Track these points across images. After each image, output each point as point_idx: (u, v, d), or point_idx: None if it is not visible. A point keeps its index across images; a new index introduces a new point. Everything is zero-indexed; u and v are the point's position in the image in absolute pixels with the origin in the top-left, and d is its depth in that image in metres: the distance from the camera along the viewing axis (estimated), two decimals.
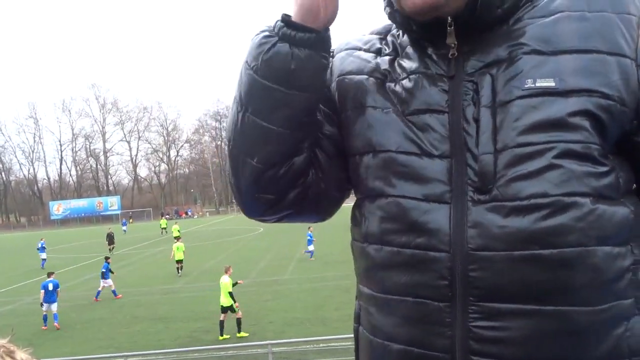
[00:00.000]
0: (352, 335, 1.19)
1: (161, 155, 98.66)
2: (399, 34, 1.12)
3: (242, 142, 1.06)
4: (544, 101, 0.90)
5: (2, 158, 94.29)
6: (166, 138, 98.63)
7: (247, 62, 1.03)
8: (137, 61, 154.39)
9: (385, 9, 1.08)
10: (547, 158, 0.89)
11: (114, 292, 17.14)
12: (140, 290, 18.10)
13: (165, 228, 44.29)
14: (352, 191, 1.16)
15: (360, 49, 1.15)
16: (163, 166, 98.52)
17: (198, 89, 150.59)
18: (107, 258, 18.08)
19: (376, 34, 1.17)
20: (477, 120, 0.94)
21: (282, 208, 1.12)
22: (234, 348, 9.24)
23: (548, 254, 0.88)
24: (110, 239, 31.80)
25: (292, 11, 1.02)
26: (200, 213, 79.38)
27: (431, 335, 0.95)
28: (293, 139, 1.05)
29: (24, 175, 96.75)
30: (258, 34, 1.03)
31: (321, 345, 8.95)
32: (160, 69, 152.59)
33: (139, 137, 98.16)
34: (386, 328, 1.03)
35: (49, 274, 15.06)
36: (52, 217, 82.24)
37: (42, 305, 13.95)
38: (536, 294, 0.89)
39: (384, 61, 1.09)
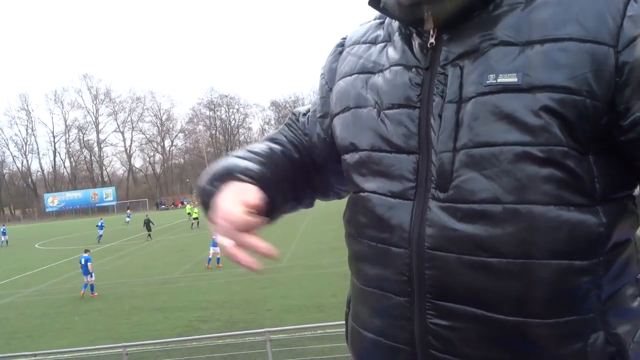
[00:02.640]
0: None
1: (155, 146, 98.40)
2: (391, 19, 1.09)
3: None
4: (504, 98, 0.84)
5: None
6: (160, 128, 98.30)
7: None
8: (129, 51, 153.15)
9: None
10: (502, 161, 0.84)
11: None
12: (138, 280, 18.12)
13: (190, 213, 41.86)
14: None
15: (358, 42, 1.13)
16: (158, 156, 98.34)
17: (191, 78, 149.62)
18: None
19: (379, 18, 1.14)
20: (440, 117, 0.91)
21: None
22: (232, 336, 9.28)
23: (496, 263, 0.85)
24: (147, 225, 33.21)
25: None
26: (196, 202, 79.15)
27: (395, 327, 0.97)
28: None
29: (18, 168, 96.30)
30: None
31: (319, 331, 9.00)
32: (152, 59, 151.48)
33: (133, 128, 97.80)
34: (362, 316, 1.06)
35: (85, 251, 17.60)
36: (47, 210, 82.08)
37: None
38: (486, 300, 0.87)
39: (375, 51, 1.07)
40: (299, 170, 1.19)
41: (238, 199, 0.95)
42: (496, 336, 0.87)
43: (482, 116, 0.86)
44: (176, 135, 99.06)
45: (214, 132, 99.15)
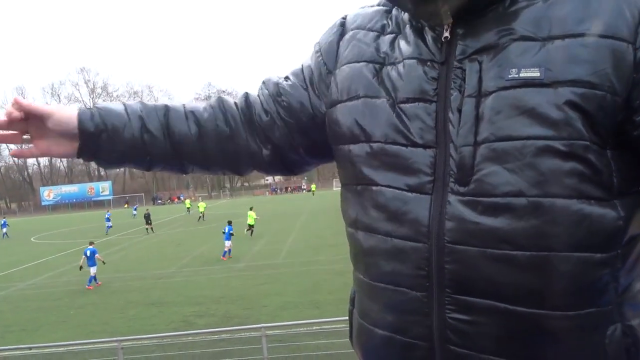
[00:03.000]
0: (345, 318, 1.22)
1: None
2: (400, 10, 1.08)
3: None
4: (526, 93, 0.85)
5: None
6: None
7: None
8: (126, 45, 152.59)
9: None
10: (525, 155, 0.85)
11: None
12: (135, 275, 18.11)
13: (189, 208, 49.40)
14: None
15: (364, 28, 1.10)
16: None
17: (189, 73, 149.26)
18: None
19: (383, 5, 1.12)
20: (460, 111, 0.90)
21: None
22: (228, 332, 9.29)
23: (520, 256, 0.86)
24: (147, 218, 33.82)
25: None
26: (193, 198, 79.21)
27: (410, 323, 0.96)
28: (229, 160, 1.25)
29: (14, 161, 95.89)
30: None
31: (314, 328, 9.02)
32: (150, 53, 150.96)
33: None
34: (372, 313, 1.04)
35: (90, 243, 17.92)
36: (43, 203, 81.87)
37: (80, 268, 17.15)
38: (507, 293, 0.88)
39: (384, 42, 1.05)
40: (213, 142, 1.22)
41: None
42: (516, 329, 0.88)
43: (505, 110, 0.86)
44: None
45: None
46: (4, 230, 37.34)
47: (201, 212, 39.57)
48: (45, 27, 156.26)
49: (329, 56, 1.13)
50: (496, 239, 0.87)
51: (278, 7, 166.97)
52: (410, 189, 0.95)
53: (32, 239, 35.83)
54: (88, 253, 17.03)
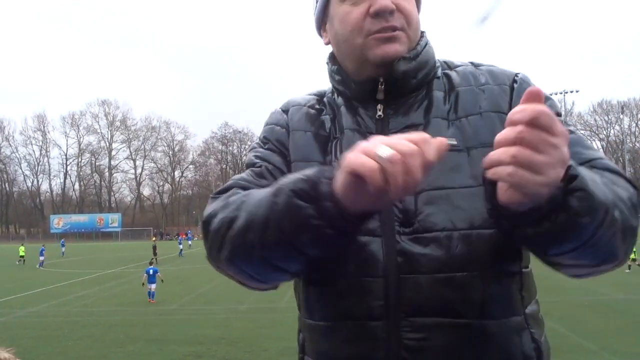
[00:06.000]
0: None
1: (165, 175, 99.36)
2: (333, 97, 1.34)
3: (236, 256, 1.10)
4: (450, 154, 1.03)
5: (8, 169, 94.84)
6: (172, 158, 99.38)
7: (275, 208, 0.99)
8: (147, 80, 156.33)
9: (330, 70, 1.33)
10: (454, 198, 1.11)
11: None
12: (136, 309, 17.87)
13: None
14: None
15: (305, 105, 1.35)
16: (167, 186, 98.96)
17: (207, 112, 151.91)
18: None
19: (313, 94, 1.38)
20: None
21: None
22: None
23: (460, 277, 1.08)
24: (154, 250, 35.75)
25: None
26: (200, 235, 79.22)
27: (370, 350, 1.10)
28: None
29: (27, 187, 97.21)
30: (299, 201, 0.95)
31: None
32: (170, 90, 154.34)
33: (145, 156, 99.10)
34: (331, 351, 1.16)
35: (150, 263, 21.12)
36: (51, 231, 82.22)
37: (143, 284, 19.19)
38: (452, 308, 1.08)
39: (326, 119, 1.30)
40: None
41: None
42: (460, 339, 1.08)
43: (437, 168, 0.98)
44: (187, 167, 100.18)
45: (224, 166, 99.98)
46: (41, 258, 35.44)
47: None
48: (70, 57, 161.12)
49: (283, 123, 1.34)
50: (439, 265, 1.08)
51: (296, 51, 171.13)
52: (362, 232, 1.08)
53: (37, 266, 35.73)
54: (151, 272, 19.13)
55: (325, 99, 1.35)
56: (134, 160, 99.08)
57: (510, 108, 1.15)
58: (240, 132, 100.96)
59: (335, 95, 1.34)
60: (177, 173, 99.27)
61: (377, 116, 1.23)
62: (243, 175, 1.27)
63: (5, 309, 18.58)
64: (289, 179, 0.99)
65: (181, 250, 43.76)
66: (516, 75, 1.26)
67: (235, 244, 1.06)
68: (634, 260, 22.96)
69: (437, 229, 1.09)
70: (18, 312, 18.13)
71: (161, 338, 13.63)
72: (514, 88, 1.22)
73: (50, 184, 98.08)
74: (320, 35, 1.36)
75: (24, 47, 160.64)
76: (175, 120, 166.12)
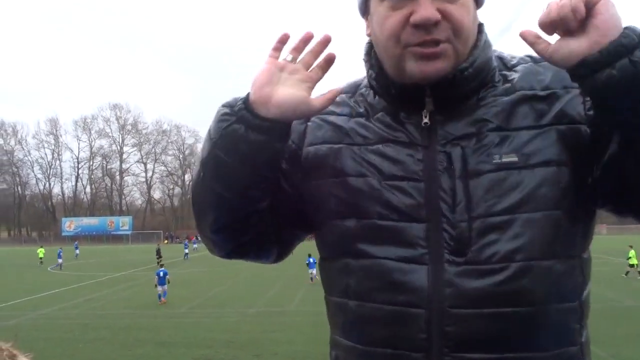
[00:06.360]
0: None
1: (176, 179, 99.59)
2: (368, 93, 1.18)
3: (200, 201, 1.16)
4: (509, 174, 1.01)
5: (20, 172, 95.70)
6: (182, 162, 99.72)
7: (209, 131, 1.09)
8: (159, 84, 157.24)
9: (368, 72, 1.16)
10: (513, 227, 1.00)
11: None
12: (145, 312, 17.95)
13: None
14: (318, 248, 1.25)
15: (333, 113, 1.18)
16: (177, 189, 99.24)
17: (206, 112, 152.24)
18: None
19: (345, 93, 1.21)
20: (452, 190, 1.03)
21: (240, 253, 1.25)
22: None
23: (511, 312, 1.00)
24: (158, 252, 36.69)
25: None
26: None
27: None
28: (245, 205, 1.12)
29: (39, 190, 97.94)
30: (221, 108, 1.08)
31: None
32: (180, 94, 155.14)
33: (156, 160, 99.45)
34: None
35: (161, 265, 21.75)
36: (63, 234, 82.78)
37: (156, 286, 19.71)
38: (499, 343, 1.00)
39: (358, 124, 1.15)
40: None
41: None
42: None
43: (493, 189, 1.01)
44: None
45: None
46: (60, 261, 36.54)
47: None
48: (82, 61, 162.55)
49: (296, 136, 1.19)
50: (489, 300, 1.00)
51: None
52: (407, 260, 1.04)
53: (48, 269, 36.00)
54: (161, 274, 19.58)
55: (358, 96, 1.20)
56: (145, 164, 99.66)
57: (585, 115, 1.05)
58: None
59: (371, 93, 1.17)
60: (187, 176, 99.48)
61: (422, 124, 1.08)
62: None
63: (18, 311, 18.73)
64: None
65: (186, 253, 43.94)
66: None
67: (202, 193, 1.15)
68: (631, 266, 22.62)
69: (493, 260, 1.00)
70: (30, 314, 18.27)
71: (170, 341, 13.67)
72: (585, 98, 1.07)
73: (62, 187, 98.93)
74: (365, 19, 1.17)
75: (24, 47, 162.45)
76: (185, 123, 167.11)
